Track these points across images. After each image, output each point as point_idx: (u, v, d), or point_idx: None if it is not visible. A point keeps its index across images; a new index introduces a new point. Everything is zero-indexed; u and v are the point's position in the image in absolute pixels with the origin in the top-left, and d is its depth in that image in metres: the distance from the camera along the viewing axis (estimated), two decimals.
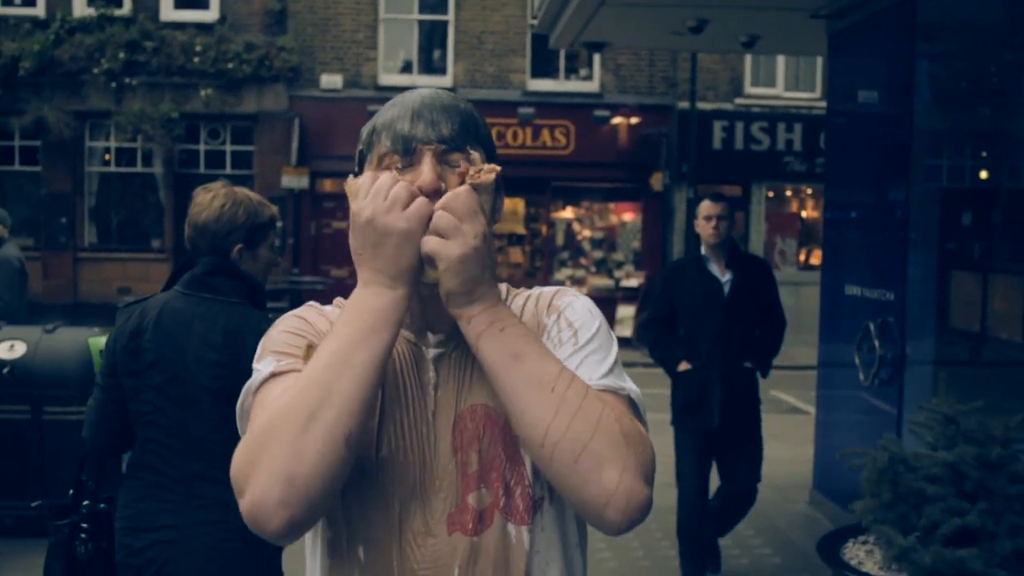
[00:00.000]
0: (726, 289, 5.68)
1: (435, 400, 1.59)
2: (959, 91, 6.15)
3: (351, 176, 1.61)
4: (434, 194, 1.50)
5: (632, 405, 1.56)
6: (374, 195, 1.47)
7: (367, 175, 1.52)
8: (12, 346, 6.55)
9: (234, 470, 1.43)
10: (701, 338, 5.64)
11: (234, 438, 2.82)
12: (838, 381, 7.16)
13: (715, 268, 5.74)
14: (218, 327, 3.00)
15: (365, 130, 1.63)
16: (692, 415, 5.71)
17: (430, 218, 1.47)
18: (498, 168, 1.56)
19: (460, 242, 1.44)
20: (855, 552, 3.92)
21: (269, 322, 2.89)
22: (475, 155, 1.58)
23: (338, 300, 1.71)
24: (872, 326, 6.27)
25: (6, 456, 6.32)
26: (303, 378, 1.43)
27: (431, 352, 1.62)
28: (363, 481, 1.54)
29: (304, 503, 1.37)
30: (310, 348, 1.55)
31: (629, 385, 1.58)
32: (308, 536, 1.62)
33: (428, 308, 1.59)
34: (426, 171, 1.52)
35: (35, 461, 6.44)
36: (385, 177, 1.49)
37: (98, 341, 6.79)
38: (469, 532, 1.54)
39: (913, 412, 5.04)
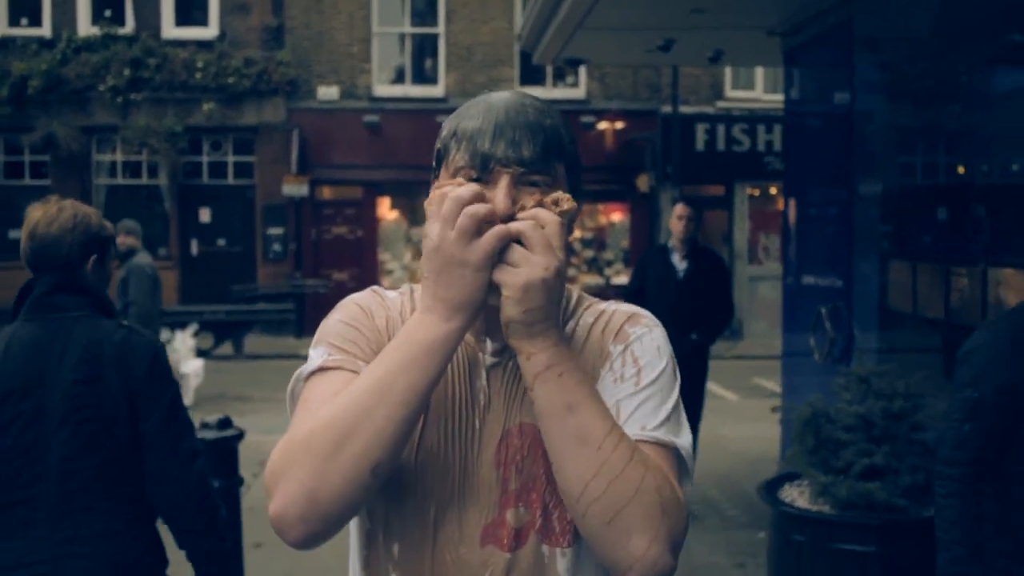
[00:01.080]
0: (680, 275, 7.15)
1: (484, 409, 1.57)
2: (896, 96, 6.92)
3: (433, 184, 1.58)
4: (507, 220, 1.45)
5: (679, 459, 1.55)
6: (444, 221, 1.41)
7: (437, 193, 1.48)
8: None
9: (268, 470, 1.43)
10: (659, 311, 6.53)
11: (107, 461, 2.83)
12: (799, 363, 7.90)
13: (676, 257, 7.20)
14: (72, 347, 2.82)
15: (446, 128, 1.58)
16: None
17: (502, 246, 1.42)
18: (575, 204, 1.50)
19: (527, 271, 1.40)
20: (790, 492, 4.69)
21: (124, 330, 2.90)
22: (558, 169, 1.53)
23: (405, 287, 1.71)
24: (824, 311, 7.04)
25: None
26: (345, 398, 1.42)
27: (487, 360, 1.60)
28: (402, 480, 1.53)
29: (323, 521, 1.39)
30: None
31: (681, 440, 1.55)
32: (351, 524, 1.62)
33: (491, 315, 1.52)
34: (500, 197, 1.46)
35: None
36: (454, 198, 1.42)
37: None
38: (504, 548, 1.53)
39: None
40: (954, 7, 5.99)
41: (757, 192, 19.79)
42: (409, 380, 1.39)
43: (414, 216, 19.65)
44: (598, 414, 1.44)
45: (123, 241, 8.78)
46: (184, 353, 11.57)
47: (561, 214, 1.46)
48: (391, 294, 1.68)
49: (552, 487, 1.52)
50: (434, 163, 1.59)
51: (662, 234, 19.19)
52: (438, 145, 1.57)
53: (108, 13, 18.71)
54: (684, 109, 18.30)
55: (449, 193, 1.42)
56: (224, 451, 4.69)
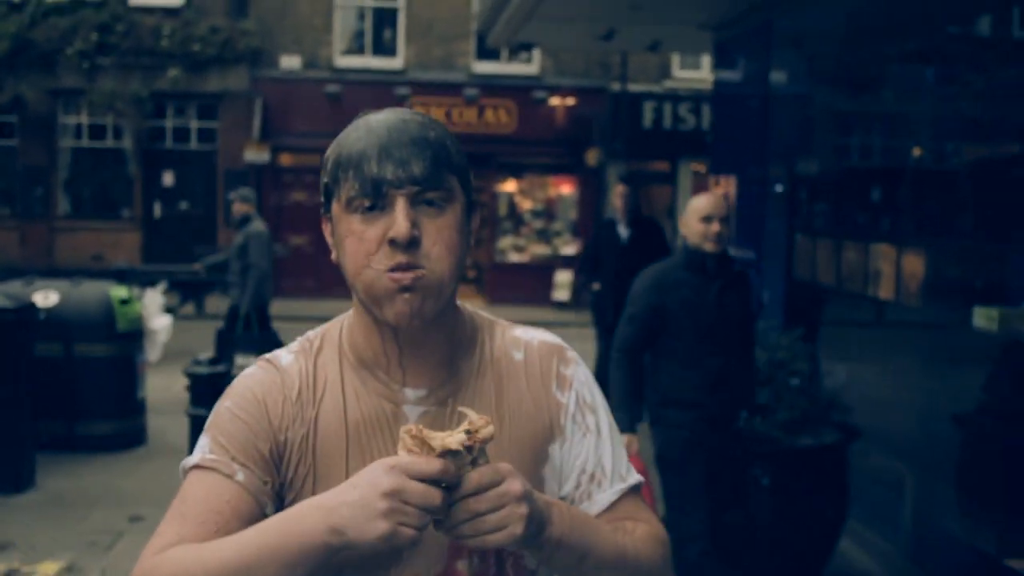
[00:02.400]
0: (624, 241, 8.79)
1: None
2: (806, 87, 7.80)
3: (323, 222, 1.51)
4: (410, 244, 1.39)
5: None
6: (407, 470, 1.26)
7: (414, 434, 1.30)
8: (47, 295, 8.00)
9: None
10: (607, 272, 8.83)
11: None
12: None
13: (620, 227, 8.87)
14: None
15: (328, 160, 1.47)
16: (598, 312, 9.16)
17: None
18: (491, 427, 1.32)
19: (518, 518, 1.30)
20: None
21: None
22: (452, 182, 1.45)
23: (302, 340, 1.58)
24: None
25: (44, 385, 7.65)
26: (212, 561, 1.32)
27: (410, 411, 1.49)
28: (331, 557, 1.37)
29: None
30: None
31: (634, 471, 1.61)
32: None
33: (405, 354, 1.48)
34: (400, 220, 1.38)
35: (67, 389, 7.91)
36: (428, 471, 1.26)
37: (117, 291, 8.30)
38: None
39: None
40: (856, 13, 6.86)
41: (701, 168, 20.70)
42: (273, 574, 1.29)
43: None
44: (600, 539, 1.46)
45: (239, 208, 9.66)
46: (153, 310, 12.25)
47: (481, 440, 1.30)
48: (285, 360, 1.53)
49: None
50: (322, 198, 1.49)
51: (607, 207, 20.10)
52: (324, 179, 1.47)
53: None
54: (632, 87, 19.14)
55: (426, 465, 1.26)
56: (214, 385, 5.50)
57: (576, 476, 1.56)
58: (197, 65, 19.13)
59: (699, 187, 20.62)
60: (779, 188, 7.63)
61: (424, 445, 1.29)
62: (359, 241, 1.41)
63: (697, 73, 20.31)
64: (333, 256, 1.50)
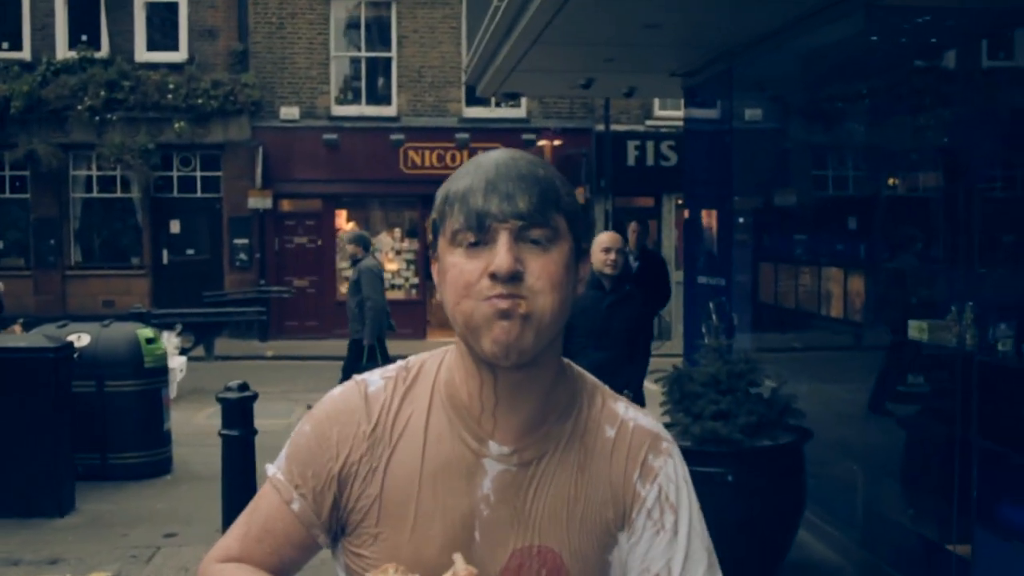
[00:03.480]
0: (633, 270, 9.39)
1: (485, 522, 1.44)
2: (765, 127, 8.60)
3: (432, 259, 1.49)
4: (511, 278, 1.35)
5: None
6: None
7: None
8: (79, 337, 8.73)
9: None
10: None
11: None
12: (696, 345, 9.58)
13: (631, 259, 9.41)
14: None
15: (439, 196, 1.46)
16: None
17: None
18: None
19: None
20: None
21: None
22: (558, 221, 1.41)
23: (400, 365, 1.57)
24: (712, 304, 8.72)
25: (79, 419, 8.30)
26: None
27: (491, 466, 1.45)
28: None
29: None
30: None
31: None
32: None
33: (500, 406, 1.44)
34: (502, 254, 1.35)
35: (100, 422, 8.60)
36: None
37: (143, 331, 9.04)
38: None
39: None
40: (804, 59, 7.66)
41: (682, 202, 21.55)
42: None
43: (370, 227, 21.16)
44: None
45: (351, 250, 11.15)
46: (170, 351, 12.99)
47: None
48: (374, 386, 1.53)
49: None
50: (430, 236, 1.49)
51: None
52: (433, 216, 1.46)
53: (84, 38, 20.15)
54: (616, 127, 19.97)
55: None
56: (243, 409, 6.21)
57: (638, 574, 1.48)
58: (201, 117, 19.95)
59: (682, 221, 21.43)
60: (740, 219, 8.41)
61: None
62: (460, 274, 1.38)
63: (677, 112, 20.91)
64: (438, 295, 1.48)
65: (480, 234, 1.37)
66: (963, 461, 5.43)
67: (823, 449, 6.45)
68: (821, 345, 7.39)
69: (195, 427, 10.78)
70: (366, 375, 1.54)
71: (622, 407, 1.54)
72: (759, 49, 7.95)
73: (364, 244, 11.02)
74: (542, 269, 1.37)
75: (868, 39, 6.53)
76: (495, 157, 1.44)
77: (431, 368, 1.53)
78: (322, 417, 1.51)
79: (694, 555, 1.49)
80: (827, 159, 7.57)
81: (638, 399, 6.60)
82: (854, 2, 6.18)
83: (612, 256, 6.56)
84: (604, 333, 6.34)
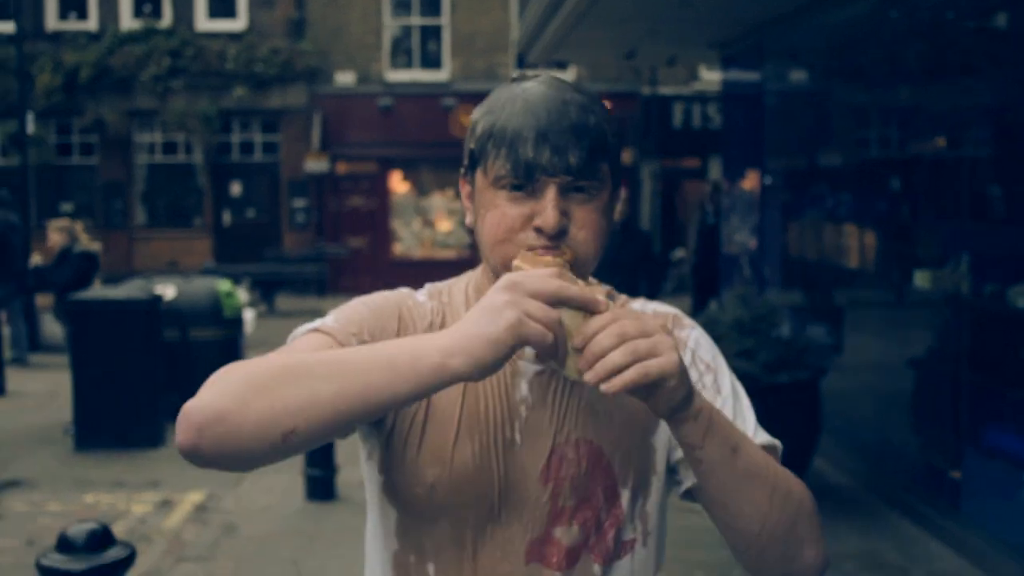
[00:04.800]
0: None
1: (525, 422, 1.43)
2: (793, 94, 9.26)
3: (461, 180, 1.47)
4: (558, 235, 1.34)
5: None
6: (530, 276, 1.23)
7: (552, 270, 1.26)
8: (166, 290, 9.61)
9: (217, 372, 1.29)
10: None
11: None
12: None
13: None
14: None
15: (477, 125, 1.41)
16: None
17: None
18: (604, 291, 1.37)
19: (669, 353, 1.21)
20: None
21: None
22: (604, 170, 1.38)
23: (429, 287, 1.57)
24: (745, 258, 9.43)
25: (165, 364, 9.18)
26: (313, 356, 1.27)
27: (527, 368, 1.45)
28: (433, 499, 1.41)
29: (215, 445, 1.22)
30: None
31: (770, 437, 1.47)
32: (370, 544, 1.55)
33: None
34: (549, 211, 1.34)
35: (184, 367, 9.47)
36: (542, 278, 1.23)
37: (222, 285, 9.91)
38: (552, 567, 1.42)
39: None
40: (828, 32, 8.31)
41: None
42: (369, 381, 1.22)
43: (423, 188, 22.01)
44: (750, 442, 1.36)
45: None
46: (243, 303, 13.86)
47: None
48: (422, 298, 1.53)
49: (608, 505, 1.44)
50: (466, 160, 1.45)
51: (643, 202, 21.55)
52: (471, 145, 1.43)
53: (147, 8, 21.13)
54: (662, 90, 20.56)
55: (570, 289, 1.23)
56: None
57: None
58: (260, 84, 20.86)
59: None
60: (771, 180, 9.10)
61: (537, 263, 1.31)
62: (502, 218, 1.37)
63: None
64: (468, 220, 1.48)
65: (526, 182, 1.36)
66: (958, 394, 6.15)
67: (839, 384, 7.19)
68: (838, 293, 8.11)
69: None
70: (405, 289, 1.57)
71: (639, 303, 1.57)
72: (786, 23, 8.60)
73: None
74: (585, 219, 1.38)
75: (882, 15, 7.18)
76: (544, 97, 1.37)
77: (460, 288, 1.55)
78: (379, 300, 1.50)
79: (741, 409, 1.47)
80: (851, 123, 8.23)
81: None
82: None
83: (620, 207, 7.84)
84: (613, 263, 7.39)
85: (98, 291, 9.13)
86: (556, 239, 1.36)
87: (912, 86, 7.04)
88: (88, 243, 10.19)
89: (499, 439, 1.43)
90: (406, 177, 22.08)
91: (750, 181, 9.95)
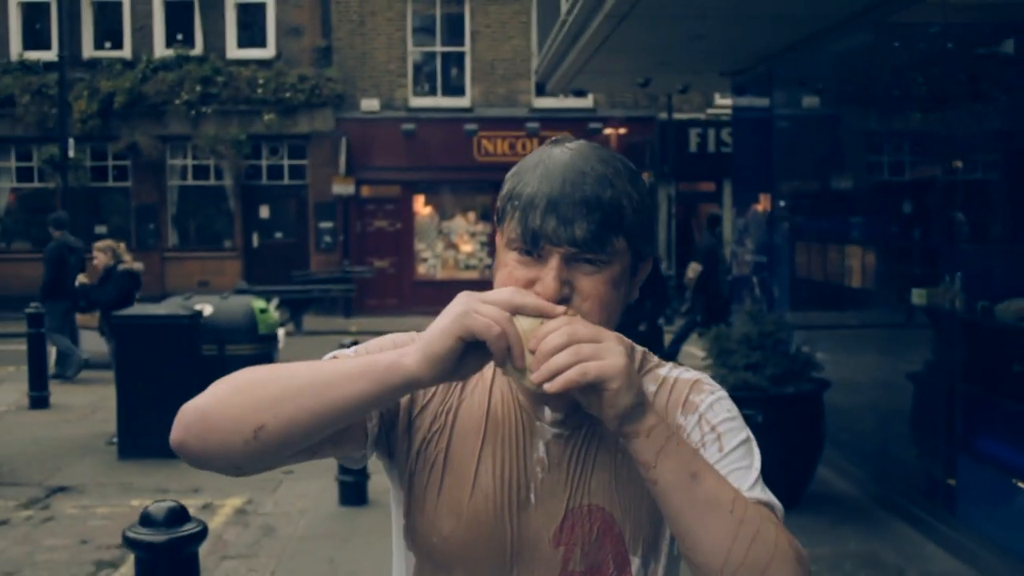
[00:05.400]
0: None
1: (541, 484, 1.46)
2: (804, 117, 9.70)
3: (498, 234, 1.48)
4: (558, 303, 1.34)
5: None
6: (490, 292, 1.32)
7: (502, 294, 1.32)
8: (204, 307, 10.10)
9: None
10: None
11: None
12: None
13: None
14: None
15: (507, 184, 1.46)
16: None
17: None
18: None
19: (616, 357, 1.25)
20: None
21: None
22: (617, 244, 1.39)
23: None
24: (755, 279, 9.86)
25: (205, 378, 9.67)
26: (295, 364, 1.38)
27: (546, 430, 1.47)
28: (449, 549, 1.46)
29: (198, 441, 1.35)
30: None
31: (777, 501, 1.42)
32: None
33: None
34: (549, 280, 1.36)
35: None
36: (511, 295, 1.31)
37: (257, 303, 10.41)
38: None
39: None
40: (833, 60, 8.75)
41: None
42: (331, 380, 1.31)
43: (444, 211, 22.53)
44: (719, 476, 1.34)
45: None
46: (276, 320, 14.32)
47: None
48: None
49: (619, 573, 1.46)
50: (496, 216, 1.48)
51: (660, 225, 21.98)
52: (499, 202, 1.46)
53: (180, 37, 21.75)
54: (678, 116, 21.03)
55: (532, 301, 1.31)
56: None
57: None
58: (288, 110, 21.45)
59: None
60: (780, 202, 9.54)
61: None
62: (509, 278, 1.40)
63: None
64: (494, 268, 1.50)
65: (533, 249, 1.38)
66: (952, 406, 6.56)
67: (842, 398, 7.59)
68: (843, 308, 8.53)
69: None
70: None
71: (666, 368, 1.54)
72: (792, 54, 9.05)
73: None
74: (591, 290, 1.38)
75: (885, 44, 7.62)
76: (564, 165, 1.40)
77: None
78: (405, 338, 1.51)
79: (742, 469, 1.41)
80: (855, 148, 8.65)
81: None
82: (864, 20, 7.29)
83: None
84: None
85: (141, 308, 9.60)
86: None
87: (912, 113, 7.48)
88: (131, 263, 10.69)
89: (514, 498, 1.46)
90: (428, 200, 22.60)
91: (760, 204, 10.38)
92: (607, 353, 1.25)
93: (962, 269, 6.44)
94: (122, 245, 11.18)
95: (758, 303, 9.78)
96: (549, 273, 1.37)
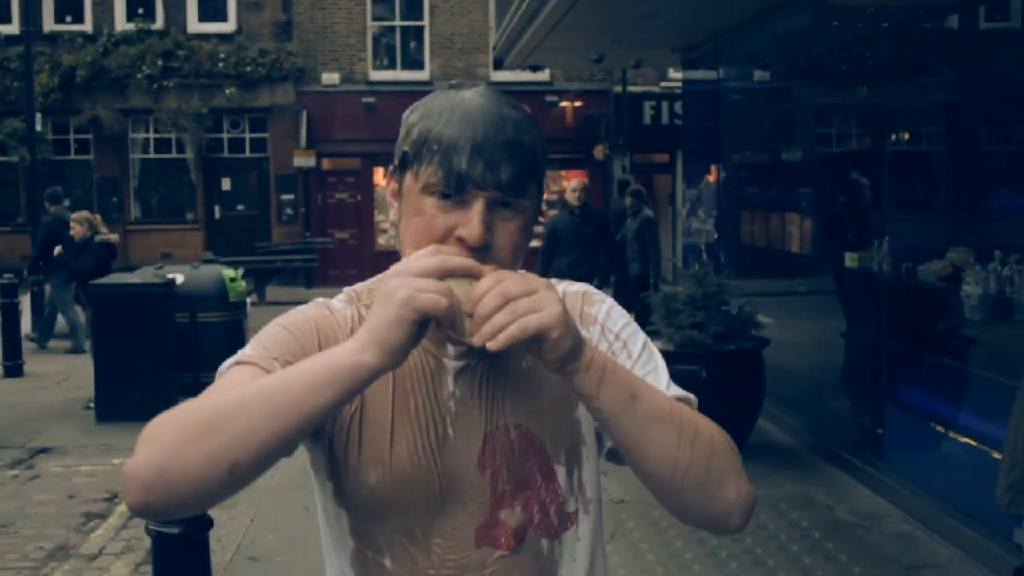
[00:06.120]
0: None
1: (456, 416, 1.48)
2: (745, 94, 10.22)
3: (388, 176, 1.50)
4: (481, 248, 1.37)
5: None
6: (412, 260, 1.31)
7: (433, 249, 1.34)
8: (176, 277, 10.44)
9: (144, 431, 1.30)
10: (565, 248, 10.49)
11: None
12: None
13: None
14: None
15: (414, 128, 1.43)
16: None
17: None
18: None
19: (550, 308, 1.27)
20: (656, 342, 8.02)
21: None
22: (532, 190, 1.43)
23: (348, 290, 1.58)
24: (703, 245, 10.39)
25: (176, 344, 9.94)
26: (236, 389, 1.30)
27: (451, 364, 1.49)
28: (378, 499, 1.47)
29: (164, 497, 1.27)
30: None
31: (686, 392, 1.51)
32: (328, 546, 1.58)
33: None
34: (475, 224, 1.37)
35: (192, 347, 10.29)
36: (430, 254, 1.31)
37: (227, 272, 10.78)
38: (502, 547, 1.48)
39: None
40: (780, 39, 9.25)
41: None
42: (299, 394, 1.26)
43: None
44: (653, 390, 1.40)
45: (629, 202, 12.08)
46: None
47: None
48: (337, 305, 1.54)
49: (546, 483, 1.50)
50: (396, 160, 1.47)
51: (615, 195, 22.50)
52: (405, 147, 1.44)
53: (141, 11, 21.93)
54: (633, 89, 21.49)
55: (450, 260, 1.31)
56: None
57: None
58: (249, 84, 21.74)
59: None
60: (725, 173, 10.07)
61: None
62: (427, 227, 1.40)
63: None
64: (391, 216, 1.51)
65: (456, 193, 1.37)
66: (880, 360, 7.12)
67: (782, 355, 8.15)
68: (784, 273, 9.09)
69: None
70: (322, 299, 1.56)
71: (553, 282, 1.54)
72: (737, 32, 9.55)
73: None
74: (508, 238, 1.41)
75: (823, 24, 8.14)
76: (484, 111, 1.40)
77: (378, 290, 1.52)
78: (297, 317, 1.51)
79: (652, 369, 1.51)
80: (796, 121, 9.18)
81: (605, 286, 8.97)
82: (803, 2, 7.80)
83: (578, 193, 10.11)
84: (576, 240, 9.49)
85: (117, 277, 9.93)
86: (479, 252, 1.37)
87: (847, 89, 8.02)
88: (107, 234, 11.02)
89: (433, 435, 1.47)
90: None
91: (711, 175, 10.91)
92: (543, 304, 1.27)
93: (889, 234, 6.99)
94: (98, 217, 11.49)
95: (705, 267, 10.32)
96: (475, 217, 1.37)
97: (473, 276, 1.29)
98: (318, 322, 1.49)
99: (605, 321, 1.55)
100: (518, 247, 1.43)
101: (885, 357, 7.04)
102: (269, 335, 1.47)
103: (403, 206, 1.46)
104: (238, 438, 1.26)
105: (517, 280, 1.28)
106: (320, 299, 1.55)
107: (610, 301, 1.59)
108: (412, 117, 1.46)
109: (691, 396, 1.50)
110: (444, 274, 1.28)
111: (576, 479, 1.52)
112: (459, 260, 1.30)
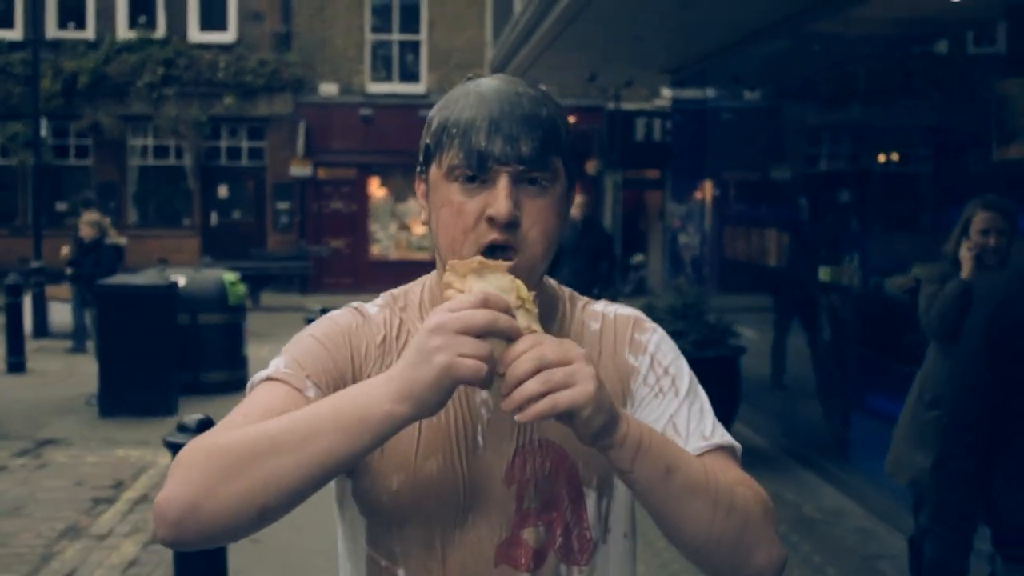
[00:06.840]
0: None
1: (488, 425, 1.45)
2: (734, 113, 10.64)
3: (417, 180, 1.50)
4: (509, 224, 1.35)
5: (735, 455, 1.50)
6: (457, 311, 1.21)
7: (454, 282, 1.27)
8: (179, 279, 10.80)
9: (177, 456, 1.30)
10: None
11: None
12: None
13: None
14: None
15: (433, 121, 1.44)
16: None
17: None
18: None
19: (586, 383, 1.22)
20: None
21: None
22: (556, 163, 1.40)
23: (386, 294, 1.57)
24: (688, 259, 10.80)
25: (178, 344, 10.34)
26: (269, 426, 1.28)
27: None
28: (400, 505, 1.43)
29: (194, 534, 1.27)
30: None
31: (732, 438, 1.50)
32: (343, 551, 1.56)
33: None
34: (502, 200, 1.35)
35: (193, 347, 10.64)
36: (467, 303, 1.22)
37: (228, 275, 11.15)
38: (522, 568, 1.44)
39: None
40: (764, 60, 9.68)
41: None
42: (330, 442, 1.24)
43: (399, 194, 23.32)
44: (688, 459, 1.36)
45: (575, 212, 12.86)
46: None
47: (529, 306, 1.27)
48: (372, 310, 1.53)
49: (573, 506, 1.46)
50: (421, 158, 1.48)
51: (606, 208, 22.92)
52: (427, 140, 1.45)
53: (143, 19, 22.28)
54: (626, 106, 21.85)
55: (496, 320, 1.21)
56: None
57: None
58: (248, 93, 22.14)
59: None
60: (712, 189, 10.49)
61: (468, 269, 1.28)
62: (457, 214, 1.38)
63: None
64: (423, 218, 1.50)
65: (480, 172, 1.36)
66: (848, 368, 7.53)
67: (758, 363, 8.56)
68: (764, 287, 9.50)
69: (260, 356, 12.89)
70: (357, 303, 1.55)
71: (601, 305, 1.57)
72: (723, 55, 9.98)
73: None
74: (537, 214, 1.38)
75: (805, 48, 8.57)
76: (498, 90, 1.41)
77: (415, 295, 1.55)
78: (329, 326, 1.49)
79: (698, 411, 1.49)
80: (777, 140, 9.59)
81: (607, 296, 9.09)
82: (783, 28, 8.24)
83: (578, 209, 10.10)
84: (577, 251, 9.57)
85: (122, 278, 10.28)
86: (508, 229, 1.36)
87: (825, 111, 8.44)
88: (116, 237, 11.38)
89: (462, 443, 1.43)
90: (383, 183, 23.35)
91: (699, 192, 11.32)
92: (578, 378, 1.21)
93: (859, 250, 7.40)
94: (107, 220, 11.83)
95: (687, 279, 10.74)
96: (501, 193, 1.36)
97: (511, 338, 1.23)
98: (350, 333, 1.48)
99: (655, 352, 1.53)
100: (549, 228, 1.40)
101: (853, 365, 7.44)
102: (302, 348, 1.45)
103: (432, 201, 1.45)
104: (269, 483, 1.25)
105: (554, 346, 1.22)
106: (355, 303, 1.54)
107: (661, 331, 1.57)
108: (432, 112, 1.47)
109: (736, 444, 1.50)
110: (486, 333, 1.21)
111: (605, 507, 1.49)
112: (506, 320, 1.22)
